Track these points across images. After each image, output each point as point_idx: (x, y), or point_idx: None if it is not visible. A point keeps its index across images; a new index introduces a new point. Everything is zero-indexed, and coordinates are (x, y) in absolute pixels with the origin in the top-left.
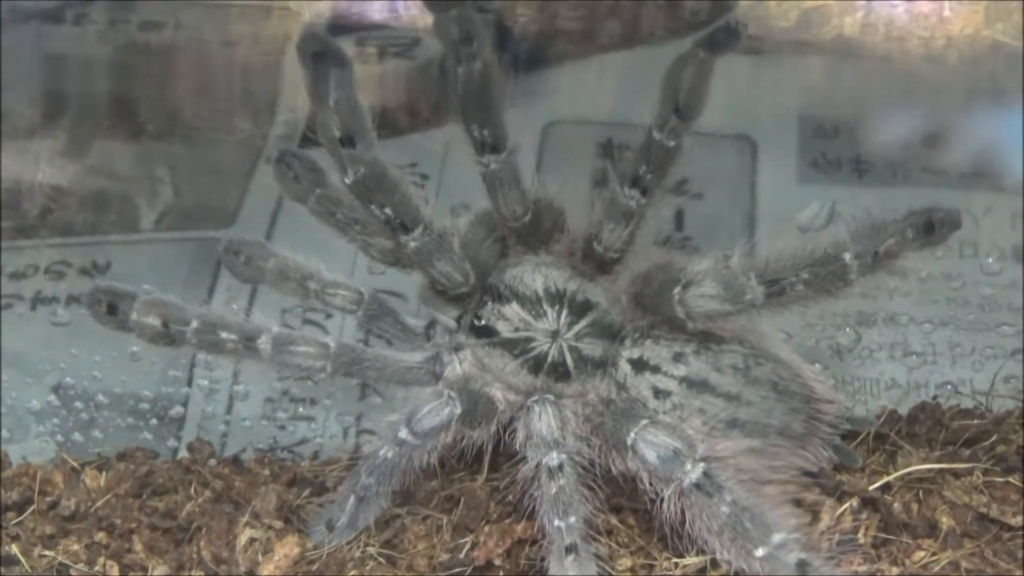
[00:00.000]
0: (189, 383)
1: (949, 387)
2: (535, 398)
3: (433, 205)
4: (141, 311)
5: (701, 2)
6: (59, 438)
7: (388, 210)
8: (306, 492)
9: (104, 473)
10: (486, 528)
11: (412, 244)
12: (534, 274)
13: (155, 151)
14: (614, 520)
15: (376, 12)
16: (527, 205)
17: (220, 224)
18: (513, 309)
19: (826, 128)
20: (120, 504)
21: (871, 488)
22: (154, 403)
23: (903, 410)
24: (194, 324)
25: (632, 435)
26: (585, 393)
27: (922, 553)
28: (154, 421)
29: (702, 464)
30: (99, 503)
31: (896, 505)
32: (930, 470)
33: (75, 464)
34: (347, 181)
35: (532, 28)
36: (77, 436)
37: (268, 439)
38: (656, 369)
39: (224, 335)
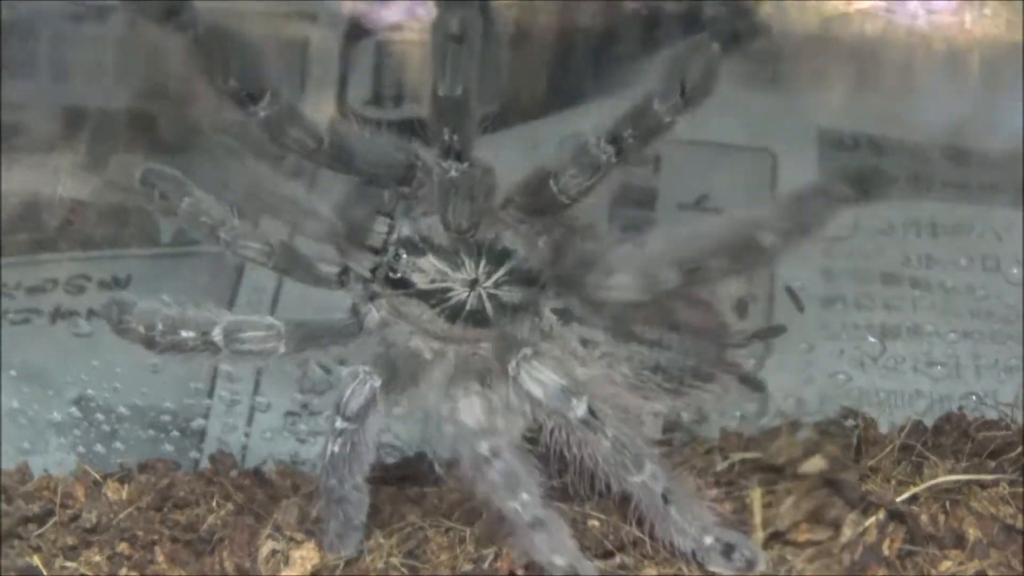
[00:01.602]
0: (210, 395)
1: (974, 398)
2: (460, 390)
3: None
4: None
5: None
6: (80, 450)
7: (233, 82)
8: None
9: (126, 485)
10: (509, 539)
11: (261, 114)
12: (432, 221)
13: (174, 164)
14: (637, 532)
15: (393, 14)
16: (474, 221)
17: None
18: (429, 261)
19: (846, 140)
20: (142, 516)
21: (898, 500)
22: (176, 415)
23: (929, 421)
24: (159, 326)
25: (514, 366)
26: (502, 340)
27: (949, 563)
28: (176, 433)
29: (586, 400)
30: (121, 515)
31: (923, 516)
32: (956, 481)
33: (97, 476)
34: (189, 42)
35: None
36: (99, 448)
37: (288, 452)
38: (582, 320)
39: (184, 334)
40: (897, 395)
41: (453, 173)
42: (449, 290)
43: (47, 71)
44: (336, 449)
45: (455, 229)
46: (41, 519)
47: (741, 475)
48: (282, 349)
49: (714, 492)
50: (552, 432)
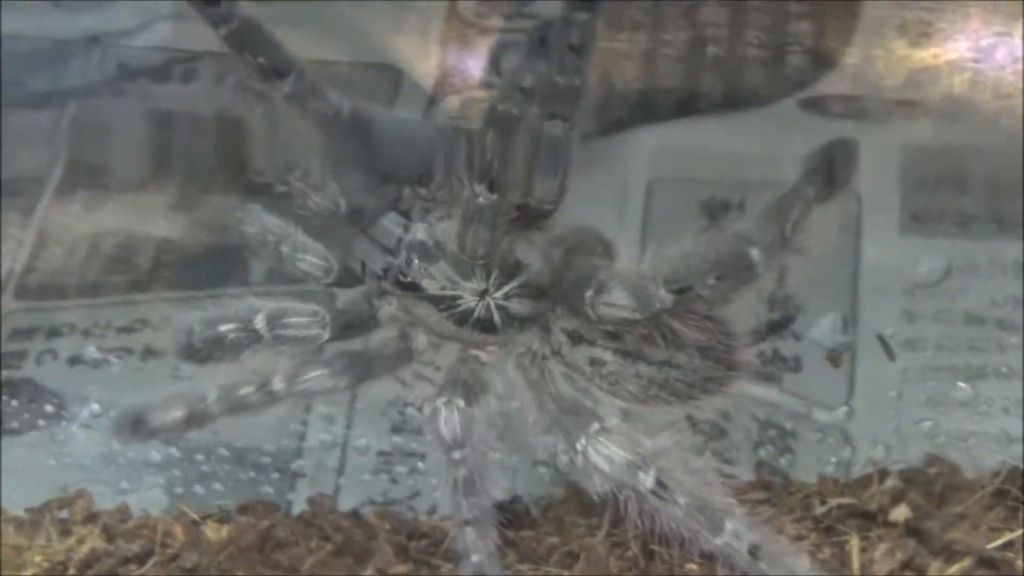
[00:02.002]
0: (304, 437)
1: None
2: (443, 401)
3: None
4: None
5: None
6: (179, 490)
7: (262, 59)
8: (424, 543)
9: (225, 526)
10: None
11: (286, 88)
12: (464, 232)
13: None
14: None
15: (478, 70)
16: (492, 250)
17: None
18: (441, 268)
19: (928, 182)
20: (242, 557)
21: (989, 547)
22: (275, 457)
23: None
24: (196, 328)
25: (583, 443)
26: (509, 343)
27: None
28: (275, 475)
29: (653, 471)
30: (221, 556)
31: (1019, 562)
32: None
33: (196, 517)
34: (221, 33)
35: (634, 87)
36: (198, 488)
37: (382, 492)
38: (591, 343)
39: (223, 328)
40: (985, 438)
41: (481, 200)
42: (459, 298)
43: (138, 116)
44: (462, 476)
45: (469, 254)
46: (141, 559)
47: (839, 520)
48: (326, 335)
49: (812, 538)
50: (626, 503)
